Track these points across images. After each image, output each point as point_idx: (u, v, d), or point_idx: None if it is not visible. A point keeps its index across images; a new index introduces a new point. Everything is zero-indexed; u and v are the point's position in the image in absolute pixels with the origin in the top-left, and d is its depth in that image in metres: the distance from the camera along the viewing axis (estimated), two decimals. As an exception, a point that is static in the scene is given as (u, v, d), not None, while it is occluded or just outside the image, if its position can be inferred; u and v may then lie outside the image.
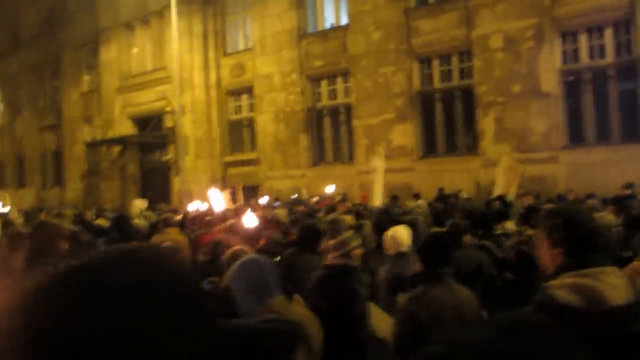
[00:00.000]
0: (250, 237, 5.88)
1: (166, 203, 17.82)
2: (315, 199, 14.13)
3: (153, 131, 20.63)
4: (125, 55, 22.28)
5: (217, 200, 10.54)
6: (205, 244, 6.07)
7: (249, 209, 7.25)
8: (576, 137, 13.37)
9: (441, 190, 13.91)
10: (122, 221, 7.50)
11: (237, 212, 8.39)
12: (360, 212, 9.15)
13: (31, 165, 27.54)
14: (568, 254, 2.03)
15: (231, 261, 3.93)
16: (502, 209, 8.19)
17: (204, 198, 16.72)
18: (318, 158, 17.85)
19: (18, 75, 27.68)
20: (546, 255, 2.13)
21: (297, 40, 17.74)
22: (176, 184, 19.83)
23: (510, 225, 7.12)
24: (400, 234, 4.86)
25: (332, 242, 4.59)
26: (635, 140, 12.54)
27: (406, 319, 3.02)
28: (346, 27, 16.80)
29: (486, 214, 6.92)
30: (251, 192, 17.42)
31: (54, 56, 25.33)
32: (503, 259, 4.32)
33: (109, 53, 22.54)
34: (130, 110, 21.98)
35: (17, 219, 11.21)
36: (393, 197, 12.83)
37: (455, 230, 5.49)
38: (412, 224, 5.90)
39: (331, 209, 9.38)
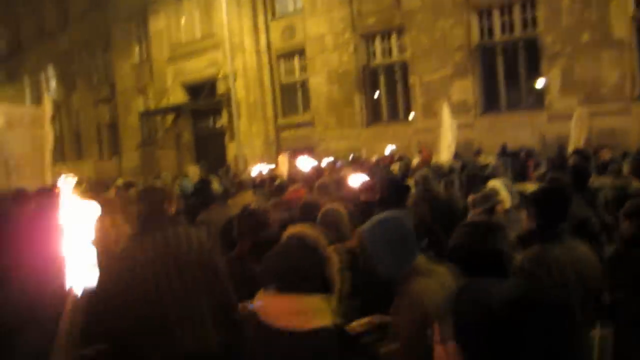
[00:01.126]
0: (349, 196, 5.68)
1: (223, 168, 17.93)
2: (374, 158, 13.91)
3: (206, 98, 20.72)
4: (174, 24, 22.35)
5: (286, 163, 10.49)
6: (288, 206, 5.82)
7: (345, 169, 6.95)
8: (650, 87, 12.66)
9: (504, 146, 13.49)
10: (205, 186, 7.46)
11: (319, 174, 8.28)
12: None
13: (88, 138, 28.27)
14: None
15: (325, 220, 3.81)
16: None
17: (259, 162, 16.83)
18: (373, 118, 17.58)
19: (70, 52, 28.18)
20: None
21: (349, -2, 17.31)
22: (231, 149, 19.98)
23: (605, 180, 6.71)
24: (501, 190, 4.50)
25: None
26: None
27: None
28: (400, -20, 16.26)
29: (580, 167, 6.46)
30: (305, 154, 17.34)
31: (103, 30, 25.64)
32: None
33: (158, 23, 22.66)
34: (182, 78, 22.13)
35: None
36: (455, 154, 12.47)
37: (558, 184, 5.14)
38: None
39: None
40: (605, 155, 10.09)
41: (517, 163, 10.97)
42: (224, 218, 5.51)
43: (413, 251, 2.39)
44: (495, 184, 4.63)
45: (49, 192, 6.06)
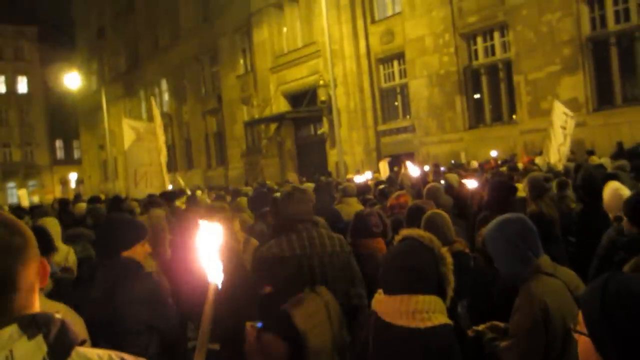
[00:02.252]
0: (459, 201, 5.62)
1: (325, 175, 18.25)
2: (475, 164, 13.53)
3: (307, 106, 21.21)
4: (276, 34, 23.14)
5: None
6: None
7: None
8: None
9: (620, 144, 12.61)
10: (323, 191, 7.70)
11: (423, 179, 8.26)
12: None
13: (197, 148, 29.90)
14: None
15: (430, 224, 3.77)
16: None
17: (361, 168, 16.95)
18: (476, 120, 17.12)
19: (181, 66, 30.05)
20: None
21: (449, -2, 17.02)
22: (332, 156, 20.27)
23: None
24: (625, 192, 4.14)
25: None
26: None
27: None
28: (503, -24, 15.75)
29: None
30: (406, 159, 17.23)
31: (211, 44, 27.10)
32: None
33: (261, 34, 23.54)
34: (284, 87, 22.82)
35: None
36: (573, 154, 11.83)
37: None
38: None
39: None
40: None
41: (637, 163, 10.21)
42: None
43: (535, 251, 2.38)
44: (616, 185, 4.33)
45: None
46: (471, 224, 5.55)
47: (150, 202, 7.30)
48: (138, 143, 9.35)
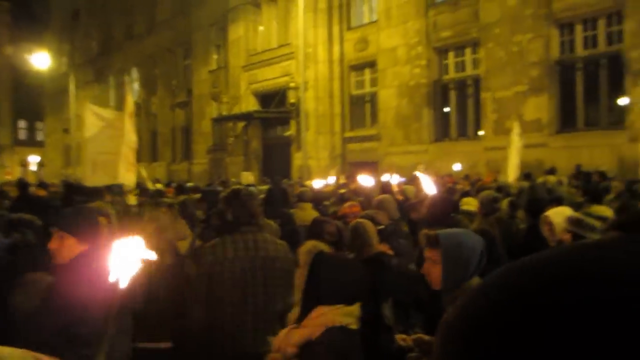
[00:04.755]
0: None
1: (287, 178, 18.00)
2: (433, 176, 13.45)
3: (276, 107, 20.97)
4: (251, 33, 22.89)
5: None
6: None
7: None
8: None
9: (579, 167, 12.71)
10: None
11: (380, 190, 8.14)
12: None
13: (163, 140, 29.37)
14: None
15: (352, 232, 3.92)
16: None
17: (328, 172, 16.77)
18: (441, 134, 17.11)
19: (154, 56, 29.51)
20: None
21: (425, 10, 17.03)
22: (297, 159, 20.06)
23: None
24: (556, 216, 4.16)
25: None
26: None
27: None
28: (479, -7, 15.82)
29: None
30: (369, 168, 17.14)
31: (185, 37, 26.69)
32: None
33: (236, 31, 23.26)
34: (255, 86, 22.56)
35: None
36: (526, 174, 11.84)
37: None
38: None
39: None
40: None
41: (591, 185, 10.28)
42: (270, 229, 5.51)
43: (472, 272, 2.38)
44: (559, 209, 4.28)
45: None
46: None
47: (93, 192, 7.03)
48: (101, 130, 8.99)
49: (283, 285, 3.05)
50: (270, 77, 21.75)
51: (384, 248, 4.02)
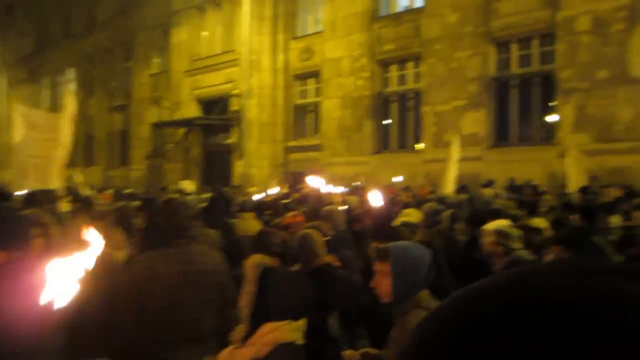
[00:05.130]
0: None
1: (229, 187, 17.76)
2: (375, 188, 13.64)
3: (219, 114, 20.70)
4: (195, 37, 22.54)
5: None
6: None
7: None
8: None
9: (512, 180, 13.21)
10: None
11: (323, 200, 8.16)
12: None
13: (99, 145, 28.38)
14: None
15: (298, 243, 3.95)
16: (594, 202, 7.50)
17: (268, 182, 16.67)
18: (382, 145, 17.38)
19: (92, 57, 28.55)
20: None
21: (369, 24, 17.31)
22: (238, 167, 19.86)
23: (615, 220, 6.45)
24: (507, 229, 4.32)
25: None
26: None
27: None
28: (420, 9, 16.22)
29: (593, 206, 6.20)
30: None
31: (127, 38, 25.97)
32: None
33: (179, 35, 22.86)
34: (197, 92, 22.20)
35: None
36: (462, 187, 12.20)
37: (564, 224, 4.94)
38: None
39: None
40: (615, 193, 9.84)
41: (527, 198, 10.70)
42: (209, 240, 5.36)
43: (421, 284, 2.41)
44: (502, 223, 4.40)
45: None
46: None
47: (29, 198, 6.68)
48: (31, 133, 8.57)
49: (218, 299, 2.94)
50: (213, 83, 21.46)
51: (330, 259, 4.03)
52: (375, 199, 6.50)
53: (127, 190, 15.96)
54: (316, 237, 4.00)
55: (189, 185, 18.46)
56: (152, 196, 13.42)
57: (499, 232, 3.79)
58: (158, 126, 23.69)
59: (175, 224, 2.98)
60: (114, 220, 4.72)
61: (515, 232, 3.97)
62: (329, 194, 10.35)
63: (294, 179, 17.81)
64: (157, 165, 23.91)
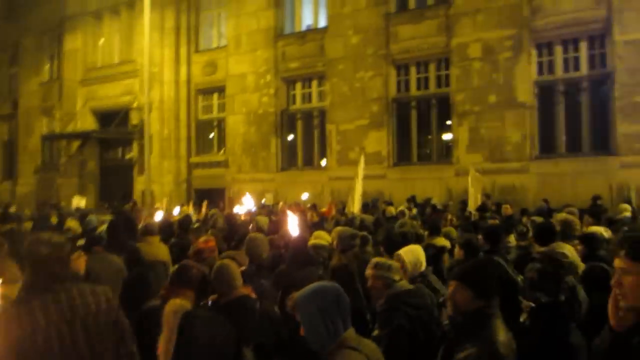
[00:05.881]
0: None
1: (127, 203, 17.04)
2: (280, 205, 13.70)
3: (117, 127, 19.81)
4: (91, 45, 21.49)
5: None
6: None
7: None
8: (548, 147, 13.48)
9: (413, 198, 13.79)
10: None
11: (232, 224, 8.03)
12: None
13: (-18, 157, 26.16)
14: None
15: (214, 275, 3.85)
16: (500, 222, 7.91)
17: (169, 199, 16.18)
18: (288, 162, 17.49)
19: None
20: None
21: (274, 41, 17.40)
22: (139, 183, 19.12)
23: (511, 239, 6.86)
24: (421, 255, 4.51)
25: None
26: (604, 152, 12.73)
27: None
28: (324, 29, 16.56)
29: (495, 226, 6.54)
30: (216, 195, 16.96)
31: (13, 41, 24.21)
32: (531, 280, 3.91)
33: (74, 42, 21.68)
34: (93, 103, 21.13)
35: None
36: (365, 205, 12.49)
37: (474, 245, 5.18)
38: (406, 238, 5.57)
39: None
40: (507, 211, 10.57)
41: (430, 217, 11.12)
42: (114, 267, 5.09)
43: (344, 323, 2.36)
44: (415, 250, 4.56)
45: None
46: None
47: None
48: None
49: (111, 339, 2.72)
50: (111, 94, 20.52)
51: (246, 290, 3.96)
52: (289, 221, 6.43)
53: (11, 209, 14.84)
54: (232, 268, 3.94)
55: (79, 201, 17.54)
56: (47, 214, 12.57)
57: (378, 265, 3.88)
58: (49, 138, 22.27)
59: (53, 261, 2.61)
60: (3, 248, 4.23)
61: (387, 262, 4.04)
62: (230, 215, 10.20)
63: (198, 196, 17.46)
64: (48, 179, 22.42)
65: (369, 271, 3.89)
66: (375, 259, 4.08)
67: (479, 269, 2.86)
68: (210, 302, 3.88)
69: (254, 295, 4.04)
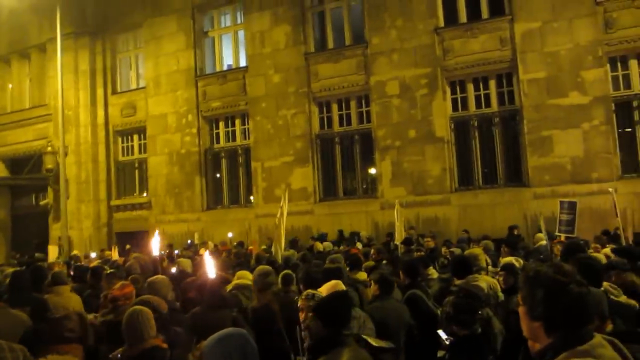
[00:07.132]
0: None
1: (42, 252, 16.04)
2: (211, 245, 13.43)
3: (30, 173, 18.82)
4: (-1, 90, 20.47)
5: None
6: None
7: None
8: (466, 180, 14.04)
9: (341, 232, 13.92)
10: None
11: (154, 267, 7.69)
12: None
13: None
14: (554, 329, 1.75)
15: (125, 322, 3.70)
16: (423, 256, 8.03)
17: (89, 245, 15.46)
18: (214, 201, 17.22)
19: None
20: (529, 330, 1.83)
21: (194, 81, 17.30)
22: (55, 230, 18.13)
23: (432, 272, 6.98)
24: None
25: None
26: (517, 184, 13.40)
27: None
28: (245, 69, 16.66)
29: (414, 261, 6.62)
30: (140, 238, 16.37)
31: None
32: (447, 314, 4.03)
33: (-21, 87, 20.59)
34: (3, 150, 20.03)
35: None
36: (292, 241, 12.48)
37: (389, 281, 5.24)
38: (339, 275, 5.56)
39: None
40: (429, 244, 10.80)
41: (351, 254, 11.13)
42: (17, 322, 4.73)
43: None
44: (333, 283, 4.54)
45: None
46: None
47: None
48: None
49: None
50: (22, 139, 19.59)
51: (157, 341, 3.79)
52: (207, 262, 6.21)
53: None
54: (144, 316, 3.76)
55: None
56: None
57: (308, 296, 3.88)
58: (-47, 188, 20.79)
59: None
60: None
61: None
62: (154, 259, 9.78)
63: (120, 240, 16.79)
64: (-47, 232, 20.84)
65: (300, 302, 3.87)
66: (307, 290, 4.07)
67: (328, 303, 3.14)
68: (119, 355, 3.69)
69: (165, 346, 3.86)
